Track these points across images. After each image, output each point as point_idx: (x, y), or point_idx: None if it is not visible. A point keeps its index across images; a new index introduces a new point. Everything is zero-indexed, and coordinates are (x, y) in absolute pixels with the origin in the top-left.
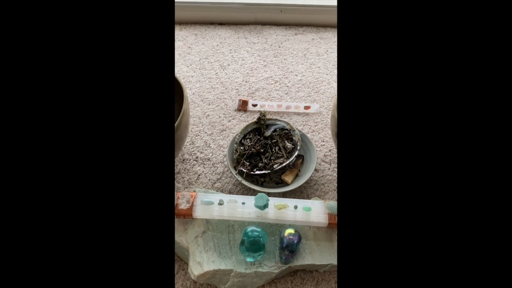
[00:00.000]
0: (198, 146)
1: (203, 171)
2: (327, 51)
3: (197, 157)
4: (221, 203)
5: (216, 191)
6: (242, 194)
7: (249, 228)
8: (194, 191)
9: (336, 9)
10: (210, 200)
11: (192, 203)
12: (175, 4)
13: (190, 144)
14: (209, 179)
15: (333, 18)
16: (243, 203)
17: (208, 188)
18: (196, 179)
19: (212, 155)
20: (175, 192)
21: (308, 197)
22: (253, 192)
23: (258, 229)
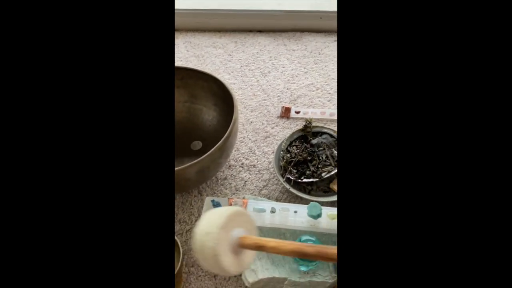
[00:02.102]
0: (243, 153)
1: (249, 178)
2: None
3: (242, 164)
4: (273, 211)
5: (263, 198)
6: (289, 201)
7: (303, 237)
8: (244, 197)
9: None
10: (262, 207)
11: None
12: (215, 12)
13: (235, 151)
14: (255, 186)
15: None
16: (295, 212)
17: (255, 194)
18: (243, 185)
19: (257, 161)
20: (227, 199)
21: None
22: (301, 200)
23: (313, 238)
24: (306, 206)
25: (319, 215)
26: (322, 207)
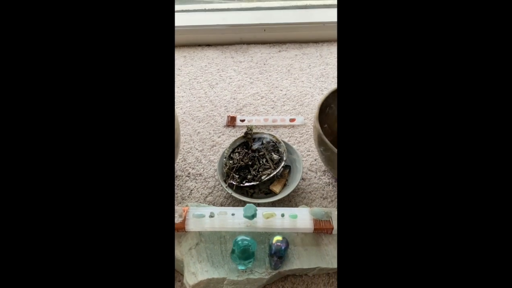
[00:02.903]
0: (190, 163)
1: (195, 186)
2: (309, 65)
3: (189, 173)
4: (212, 215)
5: (208, 204)
6: (233, 206)
7: (239, 238)
8: (187, 205)
9: (316, 25)
10: (202, 213)
11: (185, 217)
12: None
13: (182, 161)
14: (201, 194)
15: (314, 34)
16: (233, 214)
17: (200, 202)
18: (189, 194)
19: (204, 170)
20: None
21: (296, 205)
22: (244, 204)
23: (248, 238)
24: (243, 208)
25: (253, 216)
26: (258, 208)
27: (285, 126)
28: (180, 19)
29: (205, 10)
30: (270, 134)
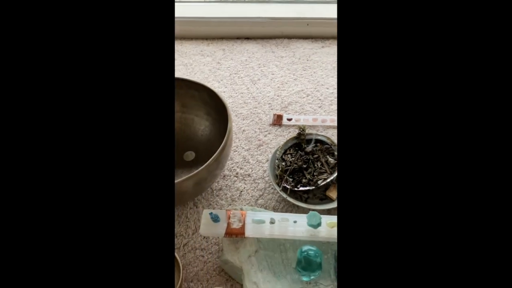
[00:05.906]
0: (237, 162)
1: (244, 188)
2: None
3: (237, 173)
4: (272, 221)
5: (260, 208)
6: (286, 210)
7: (305, 247)
8: (241, 209)
9: None
10: (261, 218)
11: (244, 221)
12: (202, 19)
13: (229, 160)
14: (251, 196)
15: None
16: (295, 222)
17: (251, 204)
18: (239, 195)
19: (252, 171)
20: (225, 210)
21: None
22: (297, 209)
23: (314, 248)
24: (305, 215)
25: (319, 224)
26: (321, 216)
27: (335, 127)
28: (217, 10)
29: (244, 1)
30: (324, 136)
